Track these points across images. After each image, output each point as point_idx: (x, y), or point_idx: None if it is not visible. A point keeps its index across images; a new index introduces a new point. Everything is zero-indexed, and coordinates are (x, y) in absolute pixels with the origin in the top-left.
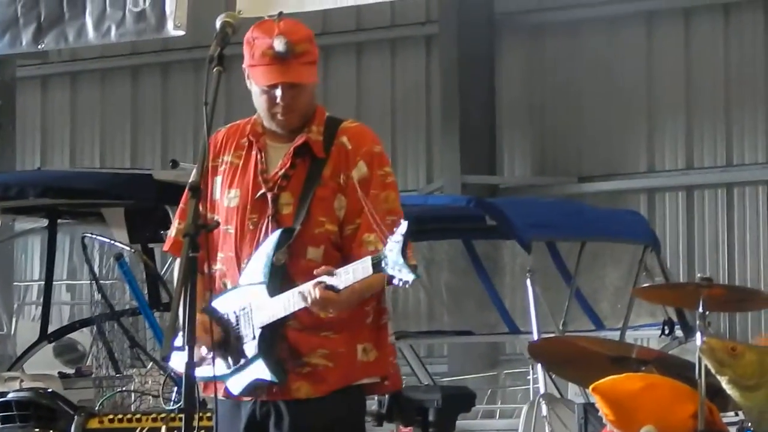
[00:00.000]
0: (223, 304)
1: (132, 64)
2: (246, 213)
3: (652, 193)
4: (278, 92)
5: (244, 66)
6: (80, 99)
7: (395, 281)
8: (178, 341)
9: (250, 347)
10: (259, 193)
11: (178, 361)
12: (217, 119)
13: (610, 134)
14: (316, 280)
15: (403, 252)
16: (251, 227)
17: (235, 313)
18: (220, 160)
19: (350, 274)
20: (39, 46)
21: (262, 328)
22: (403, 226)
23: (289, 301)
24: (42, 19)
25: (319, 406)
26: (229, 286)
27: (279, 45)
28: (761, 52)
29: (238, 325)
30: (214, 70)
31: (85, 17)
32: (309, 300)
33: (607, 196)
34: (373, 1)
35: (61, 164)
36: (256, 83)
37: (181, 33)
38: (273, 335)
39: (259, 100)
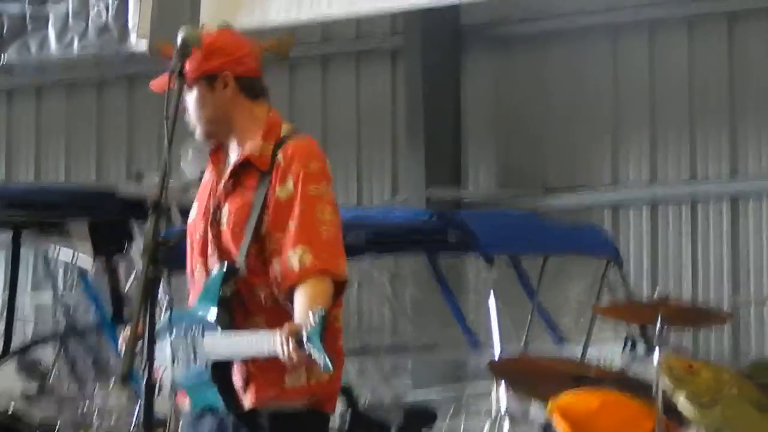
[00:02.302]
0: (179, 321)
1: (97, 77)
2: (196, 226)
3: (617, 207)
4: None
5: None
6: (45, 112)
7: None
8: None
9: (202, 373)
10: (207, 206)
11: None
12: (182, 133)
13: (575, 147)
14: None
15: (322, 339)
16: (198, 239)
17: (189, 332)
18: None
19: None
20: (0, 60)
21: (216, 362)
22: (321, 312)
23: (239, 346)
24: (4, 30)
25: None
26: (189, 302)
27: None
28: (725, 65)
29: (190, 346)
30: (175, 84)
31: (48, 29)
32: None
33: (572, 209)
34: (339, 16)
35: (26, 178)
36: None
37: (143, 46)
38: (225, 368)
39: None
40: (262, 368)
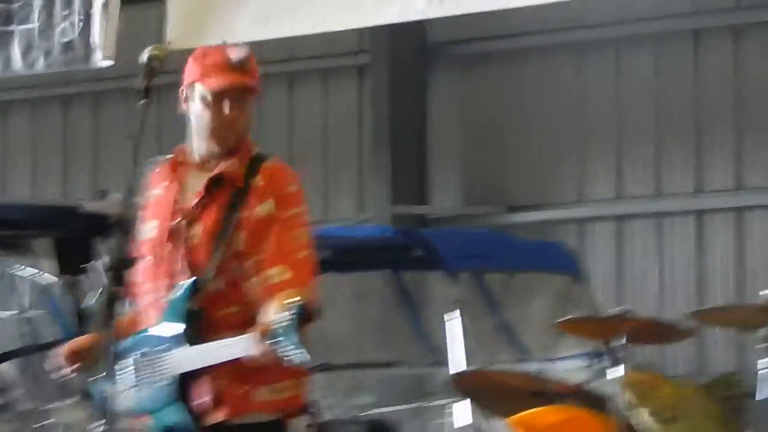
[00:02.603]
0: (141, 340)
1: (63, 94)
2: (162, 243)
3: (582, 224)
4: (227, 103)
5: (183, 86)
6: (10, 129)
7: (291, 359)
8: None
9: (165, 390)
10: (174, 223)
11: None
12: (148, 151)
13: (539, 164)
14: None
15: (299, 331)
16: (165, 256)
17: (151, 351)
18: (149, 195)
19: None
20: None
21: (180, 375)
22: (298, 305)
23: (209, 354)
24: None
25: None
26: (149, 320)
27: (237, 54)
28: (691, 81)
29: (153, 364)
30: (141, 103)
31: (13, 47)
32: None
33: (536, 226)
34: (303, 32)
35: None
36: (208, 89)
37: (108, 63)
38: (189, 382)
39: (202, 116)
40: (232, 383)
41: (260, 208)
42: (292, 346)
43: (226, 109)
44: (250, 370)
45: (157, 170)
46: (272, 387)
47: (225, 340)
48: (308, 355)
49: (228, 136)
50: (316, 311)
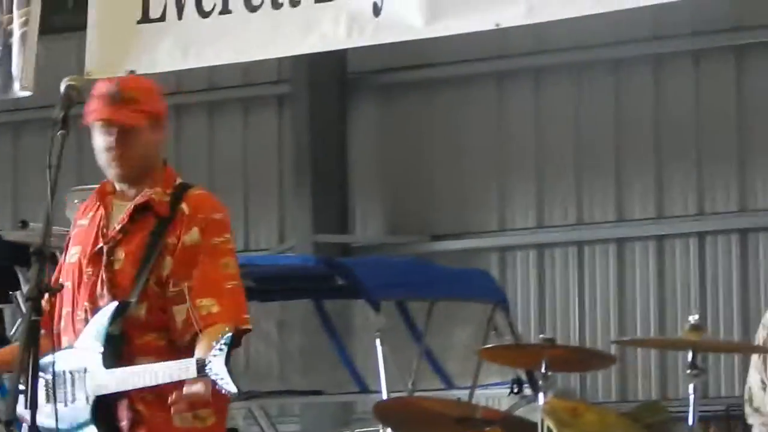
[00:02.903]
0: (58, 362)
1: None
2: (83, 267)
3: (504, 252)
4: (110, 136)
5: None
6: None
7: (218, 387)
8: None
9: (82, 411)
10: (96, 248)
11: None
12: (68, 180)
13: (461, 193)
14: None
15: (227, 361)
16: (86, 280)
17: (68, 372)
18: (77, 224)
19: (174, 371)
20: None
21: (98, 397)
22: (228, 336)
23: (131, 378)
24: None
25: None
26: (65, 343)
27: (110, 88)
28: (611, 112)
29: (69, 385)
30: (59, 133)
31: None
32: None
33: (458, 254)
34: (224, 62)
35: None
36: (91, 124)
37: (27, 94)
38: (107, 404)
39: (97, 150)
40: (151, 409)
41: (187, 237)
42: (222, 378)
43: (111, 143)
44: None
45: (84, 203)
46: (194, 413)
47: (145, 367)
48: (236, 387)
49: (120, 166)
50: (244, 335)
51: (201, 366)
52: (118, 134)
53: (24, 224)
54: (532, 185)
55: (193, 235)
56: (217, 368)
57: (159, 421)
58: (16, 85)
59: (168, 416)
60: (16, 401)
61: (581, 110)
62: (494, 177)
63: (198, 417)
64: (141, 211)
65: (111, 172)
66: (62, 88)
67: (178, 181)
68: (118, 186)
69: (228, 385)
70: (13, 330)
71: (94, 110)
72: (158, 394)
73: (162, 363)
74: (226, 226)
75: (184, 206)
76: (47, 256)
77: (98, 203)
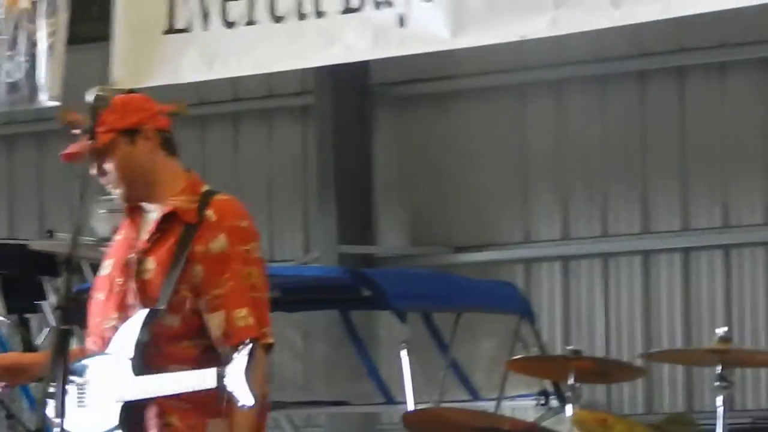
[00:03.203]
0: (90, 367)
1: (7, 134)
2: (113, 278)
3: (528, 264)
4: (92, 169)
5: None
6: None
7: (236, 400)
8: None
9: (109, 417)
10: (126, 258)
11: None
12: (94, 191)
13: (485, 204)
14: None
15: (246, 373)
16: (116, 290)
17: (97, 378)
18: (114, 240)
19: (194, 381)
20: None
21: (125, 403)
22: (248, 346)
23: (157, 385)
24: None
25: None
26: (97, 347)
27: (71, 120)
28: (636, 123)
29: (98, 391)
30: (87, 142)
31: None
32: None
33: (482, 266)
34: (248, 73)
35: None
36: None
37: (54, 104)
38: (133, 411)
39: None
40: (185, 419)
41: (213, 244)
42: (239, 389)
43: (92, 172)
44: (201, 405)
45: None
46: (225, 421)
47: (172, 374)
48: (253, 399)
49: (116, 189)
50: (271, 347)
51: (220, 377)
52: (96, 162)
53: (50, 234)
54: (557, 197)
55: (220, 241)
56: (235, 380)
57: (194, 427)
58: (43, 95)
59: (202, 424)
60: (45, 409)
61: (605, 122)
62: (519, 188)
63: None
64: (168, 220)
65: (114, 195)
66: (89, 98)
67: (204, 187)
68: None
69: (244, 398)
70: (42, 339)
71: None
72: (195, 404)
73: (185, 372)
74: (252, 235)
75: (210, 212)
76: (76, 266)
77: (129, 218)
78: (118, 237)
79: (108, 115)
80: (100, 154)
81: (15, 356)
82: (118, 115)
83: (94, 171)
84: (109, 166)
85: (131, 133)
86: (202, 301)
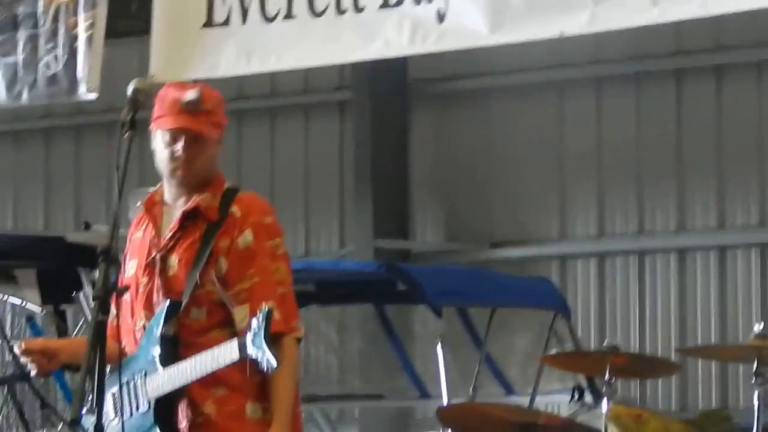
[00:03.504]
0: (124, 369)
1: (45, 127)
2: (139, 277)
3: (564, 260)
4: (180, 143)
5: (151, 123)
6: None
7: (261, 365)
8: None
9: (145, 416)
10: (150, 257)
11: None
12: (130, 183)
13: (522, 201)
14: None
15: (265, 336)
16: (141, 289)
17: (131, 380)
18: (132, 239)
19: (218, 357)
20: None
21: (157, 399)
22: (266, 312)
23: (183, 373)
24: None
25: None
26: (128, 353)
27: (190, 95)
28: (672, 121)
29: (133, 393)
30: (126, 135)
31: None
32: None
33: (518, 262)
34: (286, 67)
35: None
36: (161, 130)
37: (92, 97)
38: (167, 405)
39: (160, 155)
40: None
41: (240, 239)
42: (263, 354)
43: (179, 151)
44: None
45: (138, 215)
46: (263, 406)
47: (192, 359)
48: (276, 362)
49: (185, 175)
50: (300, 340)
51: (242, 346)
52: (187, 142)
53: (87, 226)
54: (593, 193)
55: (246, 237)
56: (256, 346)
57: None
58: (82, 88)
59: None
60: (81, 401)
61: (641, 120)
62: (555, 185)
63: (267, 410)
64: (190, 217)
65: (173, 176)
66: (129, 90)
67: (227, 185)
68: (167, 195)
69: (269, 361)
70: (76, 331)
71: (168, 117)
72: (230, 388)
73: (206, 352)
74: (277, 230)
75: (234, 209)
76: (114, 257)
77: (148, 215)
78: (137, 234)
79: (219, 109)
80: (202, 141)
81: (43, 341)
82: (222, 114)
83: (182, 152)
84: (199, 155)
85: (221, 134)
86: (228, 294)
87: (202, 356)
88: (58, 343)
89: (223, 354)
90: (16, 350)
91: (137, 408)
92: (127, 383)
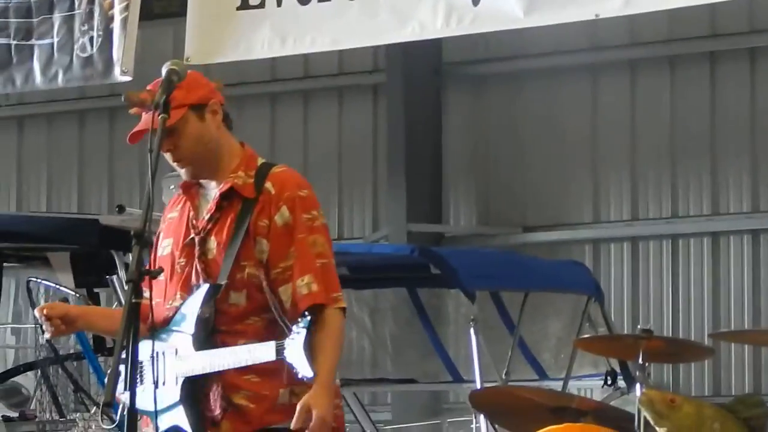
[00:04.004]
0: (148, 345)
1: (79, 109)
2: (175, 258)
3: (597, 244)
4: (161, 142)
5: None
6: (26, 143)
7: (296, 372)
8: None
9: (171, 392)
10: (188, 239)
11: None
12: (163, 166)
13: (555, 185)
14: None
15: (305, 345)
16: (179, 271)
17: (160, 354)
18: (166, 218)
19: (254, 354)
20: None
21: (186, 378)
22: (306, 320)
23: (217, 359)
24: None
25: None
26: (161, 324)
27: (135, 101)
28: (706, 104)
29: (161, 367)
30: (159, 117)
31: (33, 62)
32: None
33: (551, 246)
34: (321, 49)
35: (7, 208)
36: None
37: (127, 79)
38: (195, 386)
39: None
40: (252, 389)
41: (278, 217)
42: (298, 362)
43: (165, 151)
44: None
45: (173, 198)
46: (291, 389)
47: (233, 347)
48: (312, 372)
49: (186, 165)
50: (344, 310)
51: (279, 349)
52: (163, 140)
53: (121, 209)
54: (626, 178)
55: (283, 214)
56: (294, 352)
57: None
58: (117, 70)
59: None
60: (115, 383)
61: (676, 103)
62: (588, 169)
63: (295, 394)
64: (227, 197)
65: (183, 173)
66: (163, 72)
67: (260, 161)
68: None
69: (303, 370)
70: None
71: (139, 124)
72: (262, 375)
73: (245, 345)
74: (314, 203)
75: (269, 185)
76: (147, 240)
77: (184, 196)
78: (172, 214)
79: (175, 92)
80: (171, 132)
81: (65, 307)
82: (185, 91)
83: (164, 149)
84: (179, 143)
85: (200, 108)
86: (271, 275)
87: (238, 348)
88: (78, 309)
89: (260, 352)
90: (37, 313)
91: (163, 383)
92: (157, 356)
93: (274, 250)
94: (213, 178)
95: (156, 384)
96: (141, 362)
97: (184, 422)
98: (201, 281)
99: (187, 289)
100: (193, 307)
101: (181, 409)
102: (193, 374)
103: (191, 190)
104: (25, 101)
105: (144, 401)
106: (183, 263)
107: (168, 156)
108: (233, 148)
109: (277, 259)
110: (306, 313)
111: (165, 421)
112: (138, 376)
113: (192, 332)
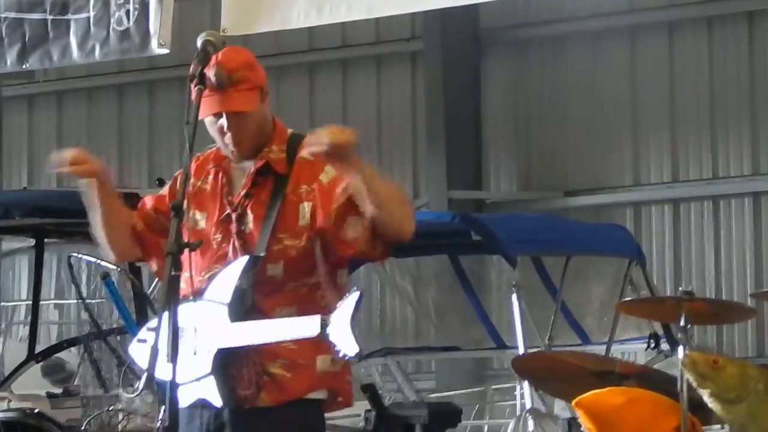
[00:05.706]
0: (182, 313)
1: (118, 83)
2: (211, 234)
3: (638, 207)
4: (223, 122)
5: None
6: (66, 118)
7: (337, 351)
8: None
9: (203, 363)
10: (224, 215)
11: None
12: (201, 138)
13: (595, 149)
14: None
15: (351, 322)
16: (215, 246)
17: (193, 325)
18: (196, 186)
19: (295, 329)
20: (23, 66)
21: (219, 349)
22: (354, 295)
23: (255, 332)
24: (26, 39)
25: (277, 415)
26: (195, 295)
27: (213, 75)
28: (745, 65)
29: (193, 337)
30: (196, 88)
31: (69, 37)
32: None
33: (592, 210)
34: (358, 18)
35: (48, 183)
36: (201, 116)
37: (164, 51)
38: (228, 358)
39: (211, 133)
40: (289, 357)
41: (323, 176)
42: (343, 339)
43: (225, 129)
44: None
45: (195, 164)
46: (333, 358)
47: (273, 320)
48: (357, 348)
49: (239, 148)
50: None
51: (323, 324)
52: (229, 121)
53: (161, 182)
54: (666, 140)
55: (328, 173)
56: (339, 329)
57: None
58: (154, 43)
59: (283, 355)
60: (155, 357)
61: (715, 65)
62: (628, 132)
63: (335, 361)
64: (262, 173)
65: (231, 156)
66: (199, 43)
67: (289, 132)
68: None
69: (348, 348)
70: (151, 289)
71: (204, 103)
72: (300, 342)
73: (285, 319)
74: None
75: (305, 154)
76: (185, 213)
77: (216, 169)
78: (203, 186)
79: (249, 73)
80: (239, 113)
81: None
82: (254, 72)
83: (228, 130)
84: (245, 124)
85: (262, 91)
86: (325, 223)
87: (279, 322)
88: (106, 173)
89: (302, 327)
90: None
91: (195, 353)
92: (189, 326)
93: (320, 205)
94: (256, 155)
95: (188, 354)
96: (175, 330)
97: (213, 394)
98: (239, 256)
99: (223, 264)
100: (229, 278)
101: (211, 379)
102: (227, 345)
103: (224, 163)
104: (64, 76)
105: (177, 370)
106: (219, 239)
107: (228, 137)
108: (268, 122)
109: (327, 208)
110: (356, 288)
111: (193, 394)
112: (175, 345)
113: (228, 302)
